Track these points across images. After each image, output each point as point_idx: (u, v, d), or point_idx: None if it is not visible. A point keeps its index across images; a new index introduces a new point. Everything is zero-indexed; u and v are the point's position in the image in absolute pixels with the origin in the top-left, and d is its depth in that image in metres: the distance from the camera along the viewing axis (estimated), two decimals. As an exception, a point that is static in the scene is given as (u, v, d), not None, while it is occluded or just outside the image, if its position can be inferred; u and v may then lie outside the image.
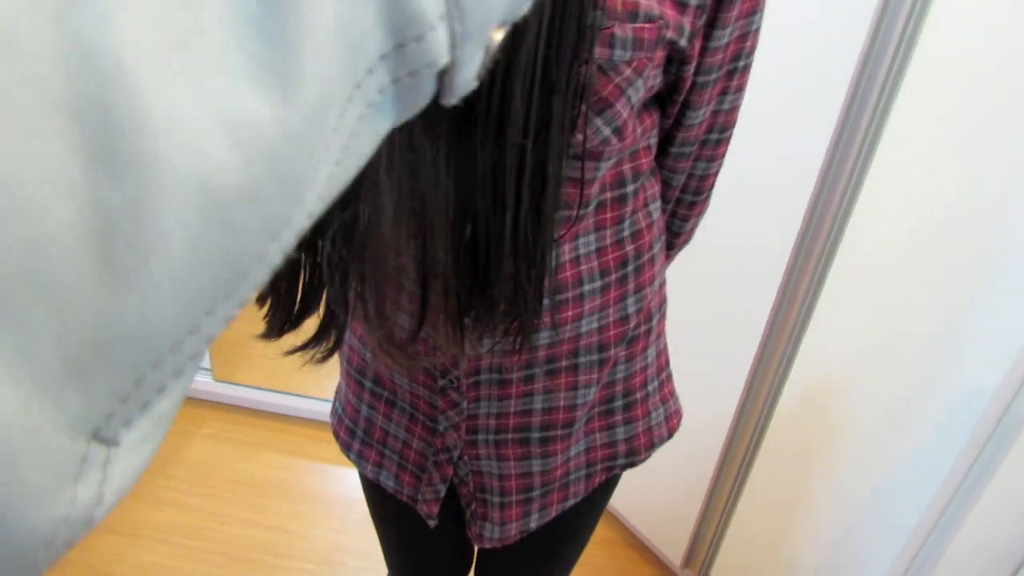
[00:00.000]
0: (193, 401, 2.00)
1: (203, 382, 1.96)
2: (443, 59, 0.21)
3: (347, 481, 1.83)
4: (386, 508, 0.87)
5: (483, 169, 0.42)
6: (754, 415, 1.38)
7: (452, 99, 0.24)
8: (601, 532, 1.74)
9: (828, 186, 1.13)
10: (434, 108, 0.37)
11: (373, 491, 0.85)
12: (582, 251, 0.65)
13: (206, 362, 1.95)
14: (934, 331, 1.07)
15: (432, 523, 0.79)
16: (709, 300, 1.38)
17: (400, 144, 0.41)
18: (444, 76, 0.22)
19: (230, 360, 1.96)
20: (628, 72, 0.55)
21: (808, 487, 1.36)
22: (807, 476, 1.35)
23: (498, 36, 0.24)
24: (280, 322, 0.47)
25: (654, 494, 1.64)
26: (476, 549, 0.95)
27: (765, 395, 1.34)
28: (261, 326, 0.49)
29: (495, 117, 0.40)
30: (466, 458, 0.74)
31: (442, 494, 0.77)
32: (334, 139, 0.19)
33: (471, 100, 0.39)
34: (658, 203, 0.71)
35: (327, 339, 0.49)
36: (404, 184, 0.42)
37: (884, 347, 1.15)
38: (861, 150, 1.08)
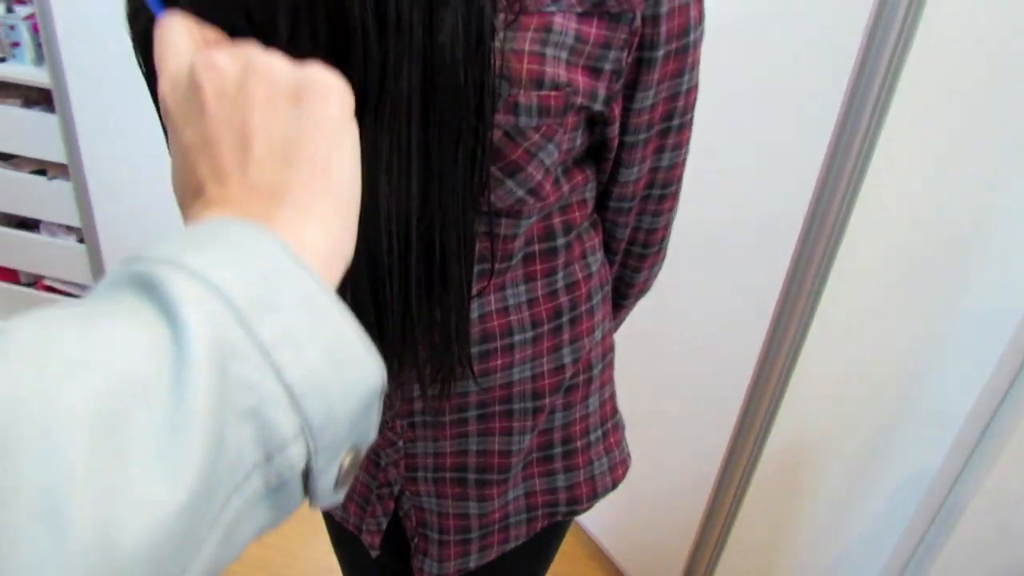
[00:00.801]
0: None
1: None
2: (300, 465, 0.28)
3: (344, 503, 1.84)
4: (338, 534, 0.89)
5: (383, 245, 0.44)
6: (743, 456, 1.36)
7: (317, 505, 0.30)
8: (586, 570, 1.73)
9: (815, 229, 1.11)
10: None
11: (329, 517, 0.87)
12: (511, 301, 0.66)
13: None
14: (912, 364, 1.06)
15: (374, 554, 0.80)
16: (698, 339, 1.37)
17: None
18: (308, 484, 0.29)
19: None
20: (536, 137, 0.55)
21: (795, 526, 1.34)
22: (795, 514, 1.34)
23: (348, 460, 0.30)
24: None
25: (643, 533, 1.63)
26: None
27: (755, 434, 1.32)
28: None
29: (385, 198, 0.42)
30: (408, 493, 0.75)
31: (383, 526, 0.78)
32: (219, 522, 0.26)
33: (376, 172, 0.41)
34: (598, 255, 0.71)
35: None
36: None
37: (871, 383, 1.14)
38: (843, 201, 1.07)
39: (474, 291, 0.62)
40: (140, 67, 0.47)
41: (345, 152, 0.34)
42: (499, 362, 0.67)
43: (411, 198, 0.45)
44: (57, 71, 1.63)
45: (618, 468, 0.80)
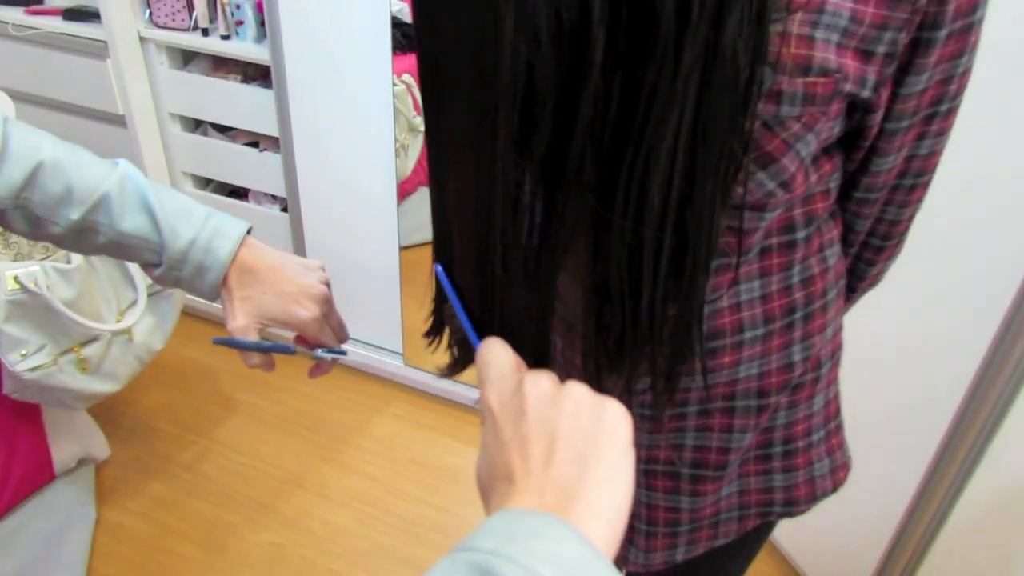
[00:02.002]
0: (384, 381, 2.16)
1: (395, 365, 2.10)
2: None
3: (516, 475, 1.89)
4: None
5: (619, 256, 0.43)
6: (953, 467, 1.25)
7: None
8: (764, 568, 1.67)
9: None
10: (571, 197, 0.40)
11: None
12: (744, 297, 0.63)
13: (399, 347, 2.09)
14: None
15: None
16: (917, 341, 1.27)
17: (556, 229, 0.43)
18: None
19: (421, 346, 2.09)
20: (796, 128, 0.52)
21: (1005, 554, 1.22)
22: (1005, 542, 1.22)
23: None
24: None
25: (829, 536, 1.55)
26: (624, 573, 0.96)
27: (968, 447, 1.21)
28: (452, 317, 0.57)
29: (633, 210, 0.41)
30: (616, 482, 0.75)
31: None
32: None
33: (608, 193, 0.41)
34: (837, 247, 0.67)
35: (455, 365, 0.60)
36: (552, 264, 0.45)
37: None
38: None
39: (711, 287, 0.60)
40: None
41: (628, 468, 0.41)
42: (727, 359, 0.65)
43: (672, 200, 0.44)
44: (277, 49, 1.75)
45: (839, 471, 0.76)
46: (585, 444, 0.40)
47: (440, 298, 0.58)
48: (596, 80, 0.37)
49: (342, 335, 0.78)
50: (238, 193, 2.22)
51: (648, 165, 0.41)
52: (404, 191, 2.31)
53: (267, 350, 0.73)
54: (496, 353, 0.46)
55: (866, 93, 0.53)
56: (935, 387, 1.23)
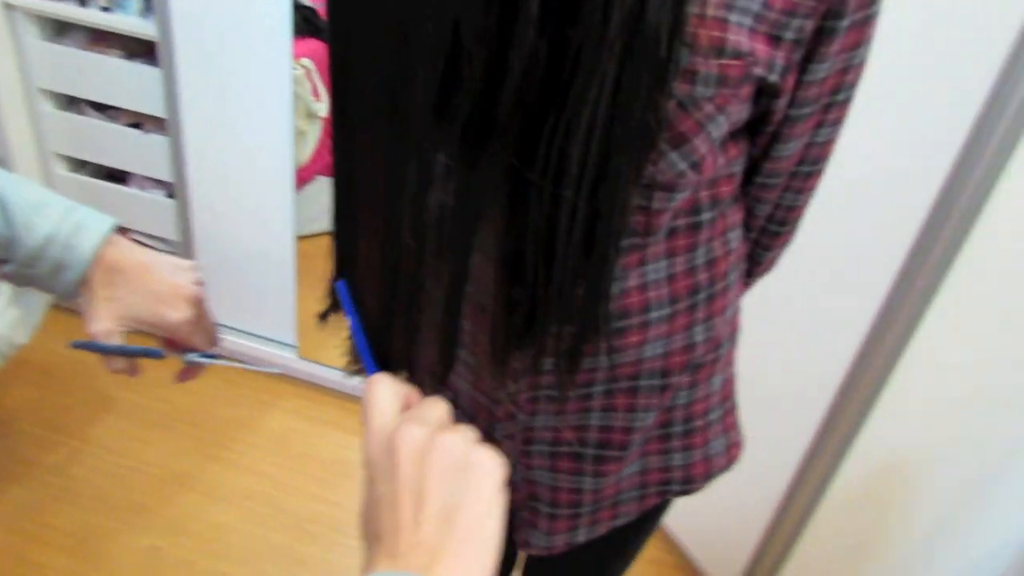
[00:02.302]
0: (276, 376, 2.08)
1: (289, 358, 2.03)
2: None
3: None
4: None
5: (536, 222, 0.43)
6: (832, 444, 1.31)
7: None
8: (652, 551, 1.72)
9: (937, 221, 1.07)
10: (491, 160, 0.39)
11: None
12: (651, 277, 0.64)
13: (292, 339, 2.02)
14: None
15: None
16: (796, 324, 1.33)
17: (456, 189, 0.42)
18: None
19: (315, 339, 2.03)
20: (710, 108, 0.53)
21: (875, 534, 1.30)
22: (877, 523, 1.30)
23: None
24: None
25: (712, 516, 1.60)
26: (526, 556, 0.96)
27: (848, 423, 1.27)
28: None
29: (552, 173, 0.41)
30: (521, 466, 0.74)
31: None
32: None
33: (528, 155, 0.41)
34: (739, 231, 0.69)
35: None
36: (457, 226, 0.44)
37: (970, 410, 1.09)
38: (975, 195, 1.02)
39: (620, 266, 0.61)
40: None
41: (494, 520, 0.42)
42: (634, 339, 0.65)
43: (588, 169, 0.44)
44: (165, 25, 1.65)
45: (733, 448, 0.78)
46: (453, 502, 0.41)
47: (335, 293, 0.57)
48: (531, 36, 0.37)
49: (214, 338, 0.75)
50: (117, 177, 2.10)
51: (569, 129, 0.40)
52: (302, 179, 2.25)
53: (132, 354, 0.69)
54: (380, 395, 0.46)
55: (774, 77, 0.55)
56: (815, 371, 1.30)
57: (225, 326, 2.09)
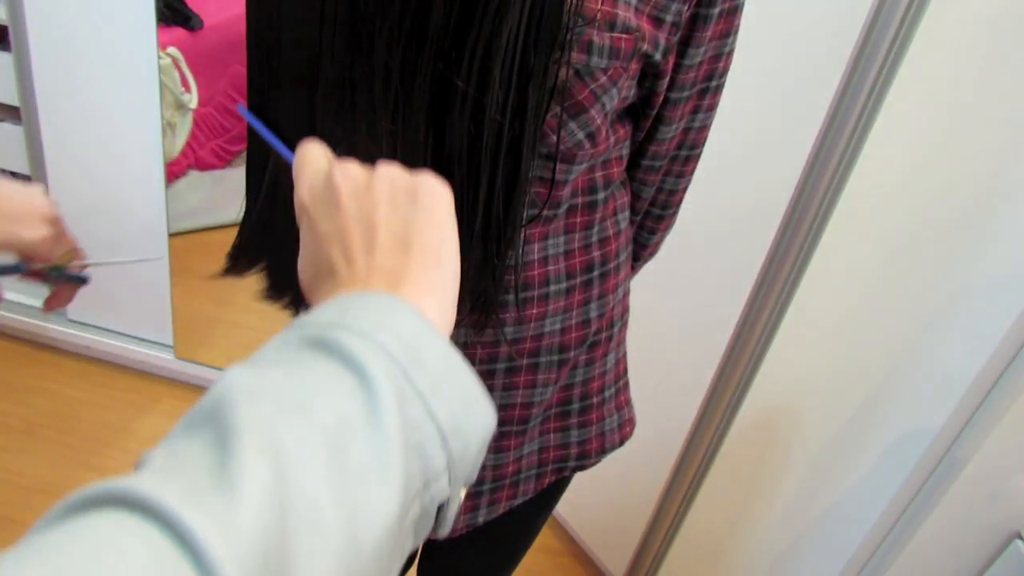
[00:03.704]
0: (152, 377, 1.98)
1: (164, 359, 1.94)
2: (445, 494, 0.34)
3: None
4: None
5: (460, 143, 0.44)
6: (709, 431, 1.40)
7: (442, 532, 0.36)
8: (543, 539, 1.76)
9: (805, 194, 1.13)
10: (412, 78, 0.41)
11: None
12: (551, 251, 0.67)
13: (168, 339, 1.93)
14: (901, 339, 1.10)
15: None
16: (674, 312, 1.40)
17: (380, 112, 0.43)
18: (440, 512, 0.35)
19: (192, 339, 1.95)
20: (603, 79, 0.57)
21: (756, 506, 1.39)
22: (756, 495, 1.38)
23: (462, 493, 0.36)
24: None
25: (601, 503, 1.66)
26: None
27: (722, 411, 1.36)
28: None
29: (474, 95, 0.42)
30: (420, 447, 0.75)
31: None
32: (400, 538, 0.32)
33: (450, 76, 0.43)
34: (627, 213, 0.73)
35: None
36: (382, 150, 0.44)
37: (842, 372, 1.19)
38: (843, 155, 1.08)
39: (524, 238, 0.63)
40: None
41: (451, 243, 0.41)
42: (534, 311, 0.68)
43: (513, 76, 0.46)
44: (15, 7, 1.54)
45: (626, 426, 0.82)
46: (405, 228, 0.40)
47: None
48: None
49: (79, 255, 0.72)
50: (-35, 170, 1.93)
51: (491, 45, 0.43)
52: (173, 173, 2.14)
53: None
54: (312, 151, 0.44)
55: (658, 56, 0.60)
56: (693, 358, 1.37)
57: (96, 326, 1.98)
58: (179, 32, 2.19)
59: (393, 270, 0.38)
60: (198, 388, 1.97)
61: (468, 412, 0.35)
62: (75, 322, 1.98)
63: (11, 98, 1.72)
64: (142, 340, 1.96)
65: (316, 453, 0.28)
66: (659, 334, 1.39)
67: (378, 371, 0.32)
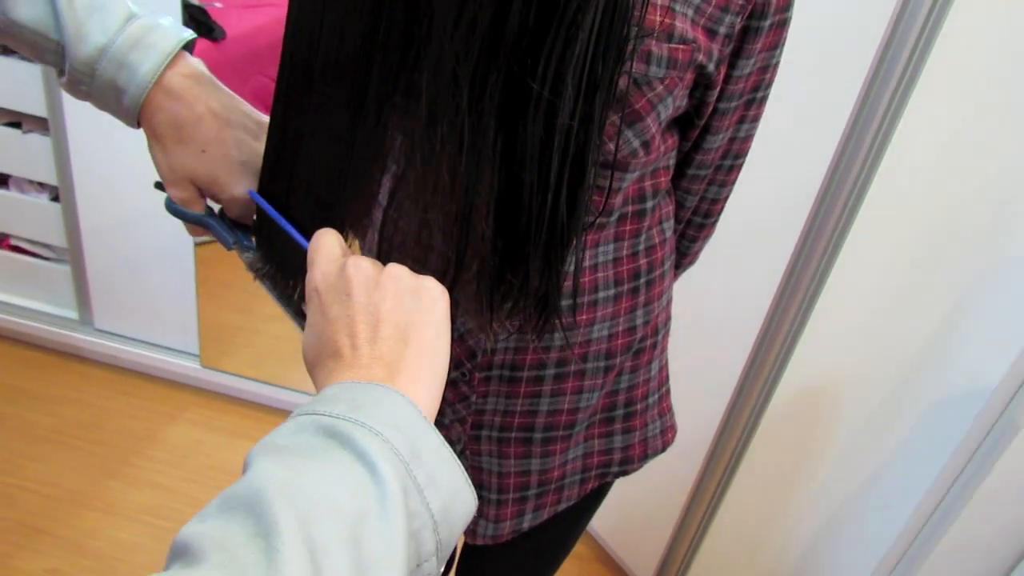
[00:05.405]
0: (178, 385, 2.00)
1: (190, 367, 1.96)
2: (433, 571, 0.39)
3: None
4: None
5: (531, 150, 0.45)
6: (736, 432, 1.40)
7: None
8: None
9: (831, 192, 1.13)
10: (483, 84, 0.42)
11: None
12: (600, 259, 0.68)
13: (194, 348, 1.95)
14: (929, 334, 1.10)
15: None
16: (700, 313, 1.40)
17: (454, 119, 0.44)
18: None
19: (218, 348, 1.97)
20: (660, 89, 0.58)
21: (784, 507, 1.39)
22: (784, 495, 1.39)
23: (441, 568, 0.40)
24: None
25: (628, 509, 1.66)
26: (460, 545, 0.97)
27: (749, 412, 1.36)
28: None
29: (546, 102, 0.43)
30: (468, 453, 0.76)
31: None
32: None
33: (525, 79, 0.43)
34: (671, 222, 0.74)
35: None
36: (454, 159, 0.45)
37: (867, 372, 1.19)
38: (868, 155, 1.08)
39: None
40: None
41: (444, 339, 0.46)
42: (583, 317, 0.69)
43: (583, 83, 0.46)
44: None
45: (668, 431, 0.82)
46: (406, 322, 0.44)
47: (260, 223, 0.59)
48: None
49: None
50: (-6, 180, 1.96)
51: (565, 51, 0.43)
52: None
53: (213, 231, 0.60)
54: (327, 239, 0.49)
55: (711, 67, 0.61)
56: (719, 362, 1.38)
57: (122, 336, 1.99)
58: (202, 43, 2.21)
59: (392, 360, 0.43)
60: (224, 396, 1.99)
61: (456, 501, 0.40)
62: (102, 331, 2.00)
63: (39, 109, 1.75)
64: (168, 349, 1.97)
65: (341, 546, 0.33)
66: (685, 335, 1.39)
67: (386, 467, 0.36)
